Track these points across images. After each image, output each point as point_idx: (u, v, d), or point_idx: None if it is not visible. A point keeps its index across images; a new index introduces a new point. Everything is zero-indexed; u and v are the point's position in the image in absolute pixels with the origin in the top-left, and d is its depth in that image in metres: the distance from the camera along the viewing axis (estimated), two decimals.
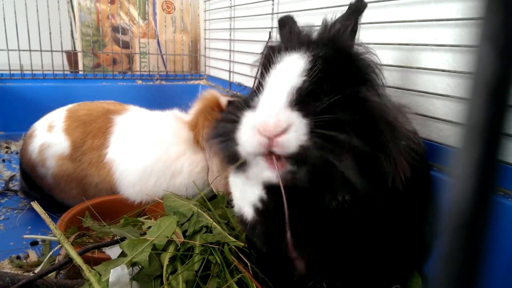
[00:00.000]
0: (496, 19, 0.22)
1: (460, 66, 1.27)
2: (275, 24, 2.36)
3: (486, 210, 0.23)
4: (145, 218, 1.47)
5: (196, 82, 3.71)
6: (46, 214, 1.15)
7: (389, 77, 1.55)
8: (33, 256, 1.47)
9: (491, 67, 0.22)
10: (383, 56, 1.58)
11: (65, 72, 3.23)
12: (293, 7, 2.17)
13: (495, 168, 0.23)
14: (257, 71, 1.04)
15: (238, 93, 2.57)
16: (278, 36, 1.13)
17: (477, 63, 0.23)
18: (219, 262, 1.08)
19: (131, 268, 1.06)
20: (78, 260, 1.04)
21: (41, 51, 3.12)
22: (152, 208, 1.59)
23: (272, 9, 2.37)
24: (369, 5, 1.61)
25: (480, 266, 0.24)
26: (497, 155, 0.23)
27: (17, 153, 2.70)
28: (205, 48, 3.68)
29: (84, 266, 1.02)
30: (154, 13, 3.58)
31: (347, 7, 1.04)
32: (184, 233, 1.17)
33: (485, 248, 0.24)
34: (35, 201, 1.19)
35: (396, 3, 1.49)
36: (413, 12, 1.44)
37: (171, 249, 1.12)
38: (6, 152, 2.76)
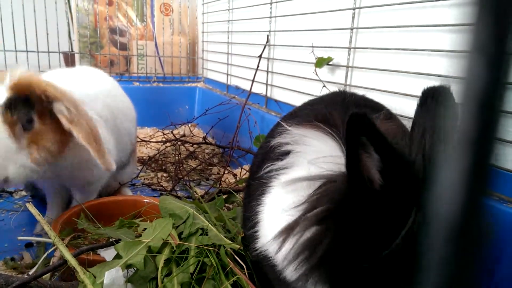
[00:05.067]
0: (486, 30, 0.22)
1: (456, 72, 1.27)
2: (273, 27, 2.37)
3: (477, 219, 0.23)
4: (141, 220, 1.47)
5: (194, 84, 3.71)
6: (41, 215, 1.15)
7: (388, 82, 1.56)
8: (27, 257, 1.46)
9: (480, 78, 0.22)
10: (382, 60, 1.59)
11: None
12: (291, 11, 2.18)
13: (486, 177, 0.23)
14: None
15: None
16: None
17: (467, 73, 0.23)
18: (214, 264, 1.08)
19: (126, 270, 1.06)
20: (73, 262, 1.03)
21: (38, 52, 3.11)
22: (148, 210, 1.59)
23: (270, 12, 2.38)
24: (366, 9, 1.63)
25: (472, 277, 0.24)
26: (488, 163, 0.23)
27: None
28: (202, 50, 3.68)
29: (78, 268, 1.01)
30: (152, 15, 3.59)
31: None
32: (179, 235, 1.17)
33: (477, 258, 0.24)
34: (30, 203, 1.18)
35: (394, 8, 1.50)
36: (410, 17, 1.45)
37: (166, 251, 1.11)
38: None
